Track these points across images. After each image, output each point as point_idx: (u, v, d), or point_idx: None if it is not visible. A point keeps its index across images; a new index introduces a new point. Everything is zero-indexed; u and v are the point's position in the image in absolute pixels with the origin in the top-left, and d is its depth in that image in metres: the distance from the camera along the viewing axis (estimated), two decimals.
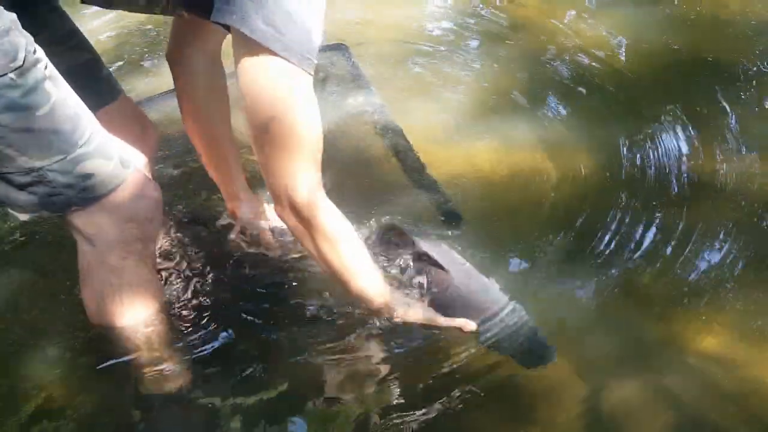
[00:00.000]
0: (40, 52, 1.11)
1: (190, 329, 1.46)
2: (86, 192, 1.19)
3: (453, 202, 1.74)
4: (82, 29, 1.38)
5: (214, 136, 1.55)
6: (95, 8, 1.35)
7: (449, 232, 1.64)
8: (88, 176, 1.17)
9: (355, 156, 1.93)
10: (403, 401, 1.30)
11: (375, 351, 1.39)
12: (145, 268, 1.33)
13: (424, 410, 1.28)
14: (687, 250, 1.57)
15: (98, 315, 1.35)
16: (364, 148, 1.95)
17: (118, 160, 1.21)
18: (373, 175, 1.86)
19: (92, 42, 1.40)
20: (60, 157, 1.13)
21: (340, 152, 1.91)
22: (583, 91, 2.18)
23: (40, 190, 1.16)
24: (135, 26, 2.64)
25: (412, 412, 1.28)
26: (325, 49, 2.32)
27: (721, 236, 1.59)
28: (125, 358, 1.37)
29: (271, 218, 1.63)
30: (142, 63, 2.48)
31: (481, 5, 2.77)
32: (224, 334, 1.46)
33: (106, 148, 1.20)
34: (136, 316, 1.35)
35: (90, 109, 1.20)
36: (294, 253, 1.57)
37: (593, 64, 2.31)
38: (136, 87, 2.27)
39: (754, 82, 2.18)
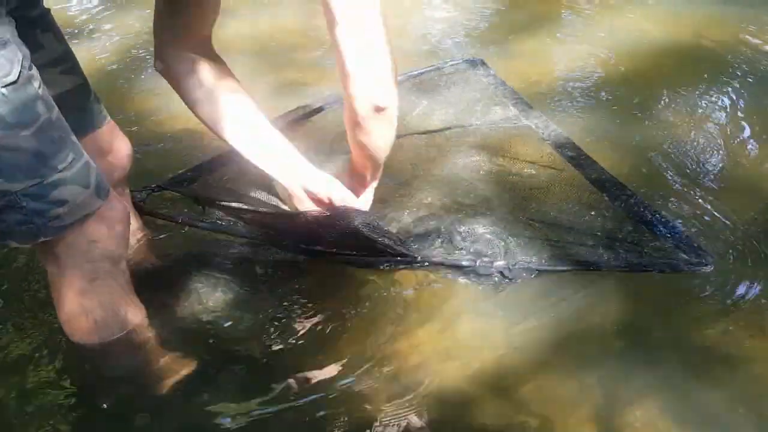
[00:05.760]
0: (35, 70, 1.08)
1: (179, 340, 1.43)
2: (56, 221, 1.14)
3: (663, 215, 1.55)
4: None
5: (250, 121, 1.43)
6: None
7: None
8: (60, 203, 1.12)
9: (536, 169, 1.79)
10: (404, 408, 1.28)
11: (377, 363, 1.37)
12: (117, 287, 1.30)
13: (424, 415, 1.26)
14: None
15: (76, 336, 1.33)
16: (543, 160, 1.80)
17: (93, 189, 1.17)
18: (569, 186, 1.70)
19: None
20: (37, 180, 1.08)
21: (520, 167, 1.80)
22: (590, 89, 2.22)
23: (10, 217, 1.10)
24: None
25: (411, 418, 1.26)
26: (462, 62, 2.16)
27: (727, 232, 1.58)
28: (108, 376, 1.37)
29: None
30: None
31: (481, 7, 2.82)
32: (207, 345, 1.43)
33: (86, 175, 1.15)
34: (112, 335, 1.32)
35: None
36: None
37: (598, 62, 2.36)
38: None
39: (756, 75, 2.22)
